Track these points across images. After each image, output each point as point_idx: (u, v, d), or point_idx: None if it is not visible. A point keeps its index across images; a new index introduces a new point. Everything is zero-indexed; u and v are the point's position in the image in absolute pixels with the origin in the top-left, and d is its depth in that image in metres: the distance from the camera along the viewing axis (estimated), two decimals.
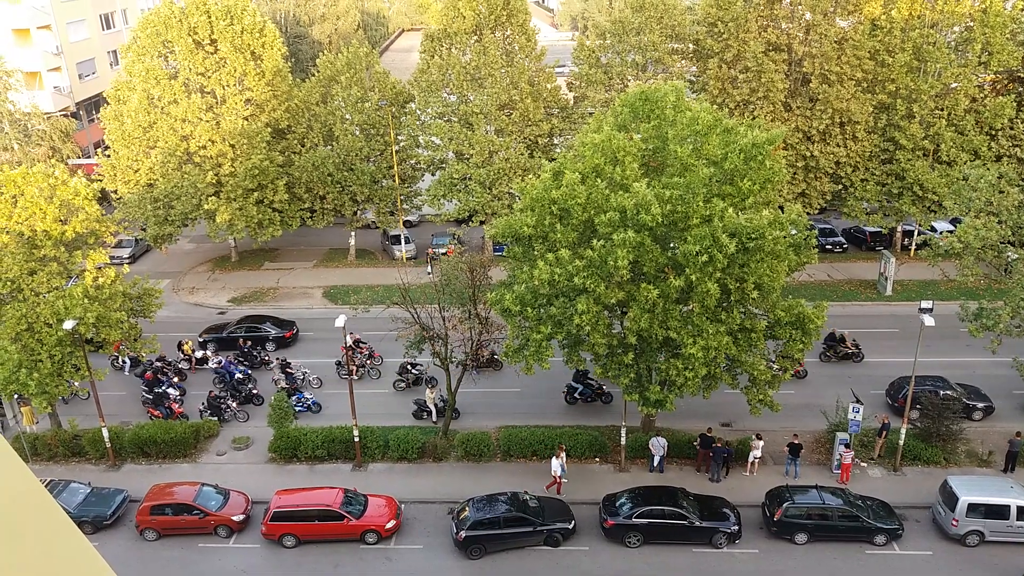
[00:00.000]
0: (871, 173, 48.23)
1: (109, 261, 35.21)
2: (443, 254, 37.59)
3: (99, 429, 33.09)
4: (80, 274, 33.33)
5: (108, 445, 33.17)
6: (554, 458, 30.72)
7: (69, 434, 34.25)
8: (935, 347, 38.78)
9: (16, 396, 34.04)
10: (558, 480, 30.71)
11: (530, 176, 37.26)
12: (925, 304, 34.46)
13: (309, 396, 36.71)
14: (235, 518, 29.58)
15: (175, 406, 36.05)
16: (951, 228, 49.45)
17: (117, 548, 28.65)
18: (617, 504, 29.04)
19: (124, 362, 40.56)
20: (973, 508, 27.72)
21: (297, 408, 35.93)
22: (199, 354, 40.34)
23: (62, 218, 32.32)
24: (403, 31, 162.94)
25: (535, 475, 32.00)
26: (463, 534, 28.03)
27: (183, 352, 40.67)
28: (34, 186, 31.58)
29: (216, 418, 35.72)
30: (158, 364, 38.98)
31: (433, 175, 51.97)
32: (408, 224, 57.59)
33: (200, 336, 42.86)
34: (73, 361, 32.51)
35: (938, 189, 45.92)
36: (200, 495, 29.92)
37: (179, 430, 33.77)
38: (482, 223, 50.71)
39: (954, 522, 27.98)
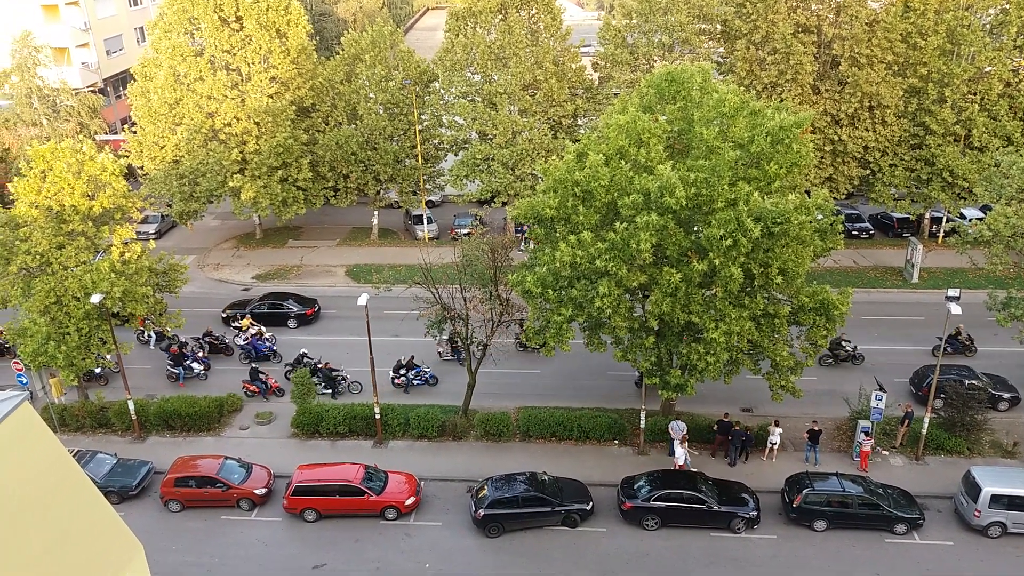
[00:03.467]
0: (900, 158, 47.52)
1: (135, 236, 35.57)
2: (525, 240, 37.25)
3: (125, 401, 33.63)
4: (107, 249, 33.73)
5: (134, 417, 33.71)
6: (677, 446, 30.70)
7: (96, 406, 34.85)
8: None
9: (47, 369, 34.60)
10: (682, 467, 30.58)
11: (553, 157, 37.20)
12: (952, 292, 34.06)
13: (427, 369, 37.15)
14: (257, 491, 30.00)
15: (271, 380, 36.47)
16: (981, 215, 48.73)
17: (142, 518, 29.18)
18: (635, 487, 29.10)
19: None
20: (996, 499, 27.47)
21: (416, 383, 36.65)
22: (253, 329, 40.58)
23: (90, 193, 32.67)
24: (428, 9, 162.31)
25: (554, 456, 32.13)
26: (481, 512, 28.25)
27: (239, 327, 41.01)
28: (62, 161, 31.92)
29: (331, 391, 36.25)
30: (206, 340, 39.61)
31: (456, 155, 51.91)
32: (431, 204, 57.63)
33: (223, 312, 43.34)
34: (100, 335, 32.98)
35: (969, 175, 45.19)
36: (223, 468, 30.36)
37: (203, 404, 34.24)
38: (504, 204, 50.64)
39: (976, 513, 27.76)
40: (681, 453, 30.61)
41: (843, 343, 37.90)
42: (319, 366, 37.10)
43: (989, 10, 45.34)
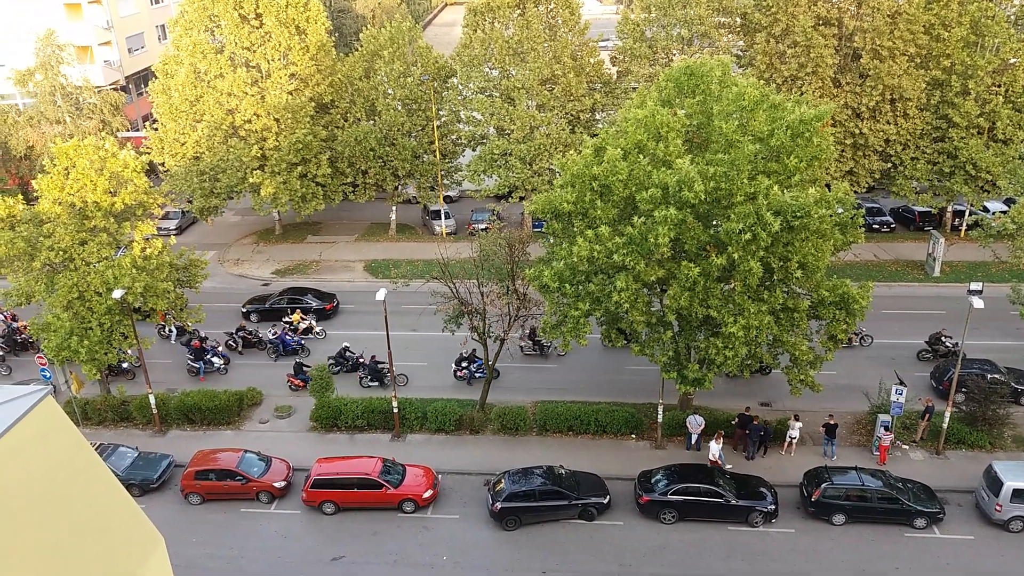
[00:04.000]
0: (922, 151, 47.00)
1: (156, 232, 35.95)
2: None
3: (146, 396, 34.03)
4: (128, 245, 34.12)
5: (155, 411, 34.11)
6: (712, 442, 30.58)
7: (117, 400, 35.29)
8: (983, 330, 37.94)
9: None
10: (716, 463, 30.45)
11: (571, 152, 37.03)
12: (974, 286, 33.67)
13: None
14: (276, 484, 30.27)
15: None
16: (1004, 208, 48.13)
17: (163, 511, 29.50)
18: (653, 480, 29.08)
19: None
20: (1018, 494, 27.18)
21: (478, 375, 36.67)
22: (303, 325, 40.80)
23: (111, 190, 33.03)
24: (446, 5, 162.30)
25: (571, 449, 32.15)
26: (498, 505, 28.35)
27: (290, 323, 41.24)
28: (85, 158, 32.30)
29: (377, 383, 36.62)
30: (240, 335, 40.02)
31: (474, 150, 51.95)
32: (448, 199, 57.72)
33: (243, 307, 43.73)
34: (121, 329, 33.38)
35: (992, 168, 44.62)
36: (243, 461, 30.66)
37: (223, 398, 34.57)
38: (522, 199, 50.62)
39: (998, 507, 27.49)
40: (716, 449, 30.40)
41: (943, 338, 37.38)
42: (360, 360, 37.40)
43: (1014, 0, 44.68)
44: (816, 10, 44.71)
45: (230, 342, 40.11)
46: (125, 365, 37.61)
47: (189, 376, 38.25)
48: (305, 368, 36.90)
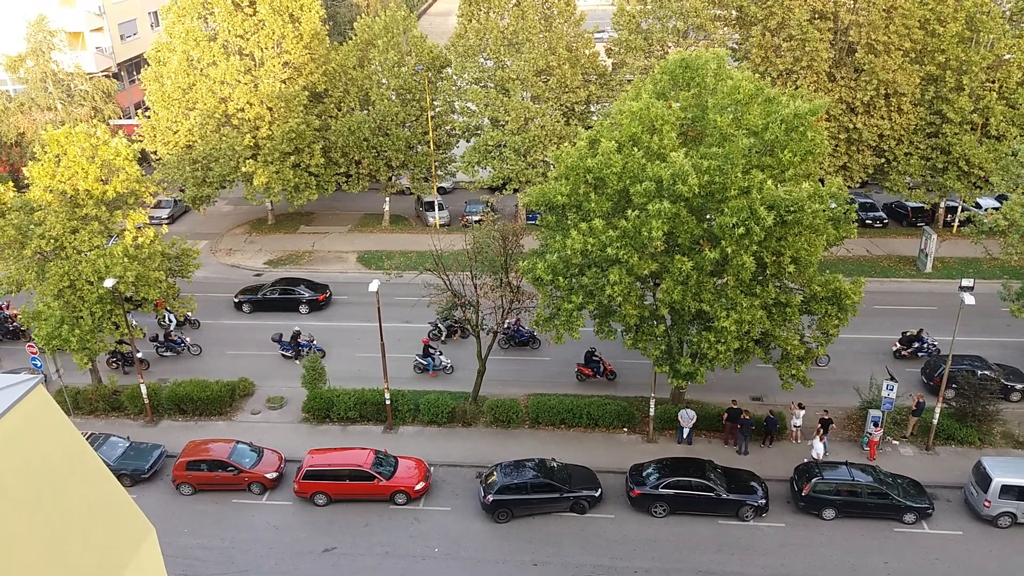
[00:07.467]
0: (915, 147, 47.06)
1: (148, 221, 35.74)
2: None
3: (138, 385, 33.91)
4: (120, 233, 33.92)
5: (146, 401, 33.98)
6: (815, 439, 30.32)
7: (109, 389, 35.14)
8: (974, 326, 38.09)
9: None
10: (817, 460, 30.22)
11: (565, 144, 36.97)
12: (966, 282, 33.74)
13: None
14: (268, 475, 30.25)
15: (606, 363, 35.93)
16: (997, 205, 48.29)
17: (154, 501, 29.48)
18: (644, 474, 29.15)
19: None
20: (1007, 489, 27.35)
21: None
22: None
23: (103, 178, 32.82)
24: None
25: (563, 442, 32.19)
26: (491, 498, 28.39)
27: None
28: (76, 146, 32.07)
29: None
30: (446, 325, 39.08)
31: (468, 142, 51.81)
32: (442, 191, 57.56)
33: (235, 297, 43.55)
34: (113, 319, 33.21)
35: (985, 164, 44.72)
36: (235, 452, 30.60)
37: (215, 389, 34.47)
38: (516, 191, 50.54)
39: (986, 503, 27.66)
40: (820, 448, 30.01)
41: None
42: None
43: None
44: (812, 4, 44.63)
45: (434, 332, 39.37)
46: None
47: (416, 372, 37.08)
48: (595, 357, 36.17)
